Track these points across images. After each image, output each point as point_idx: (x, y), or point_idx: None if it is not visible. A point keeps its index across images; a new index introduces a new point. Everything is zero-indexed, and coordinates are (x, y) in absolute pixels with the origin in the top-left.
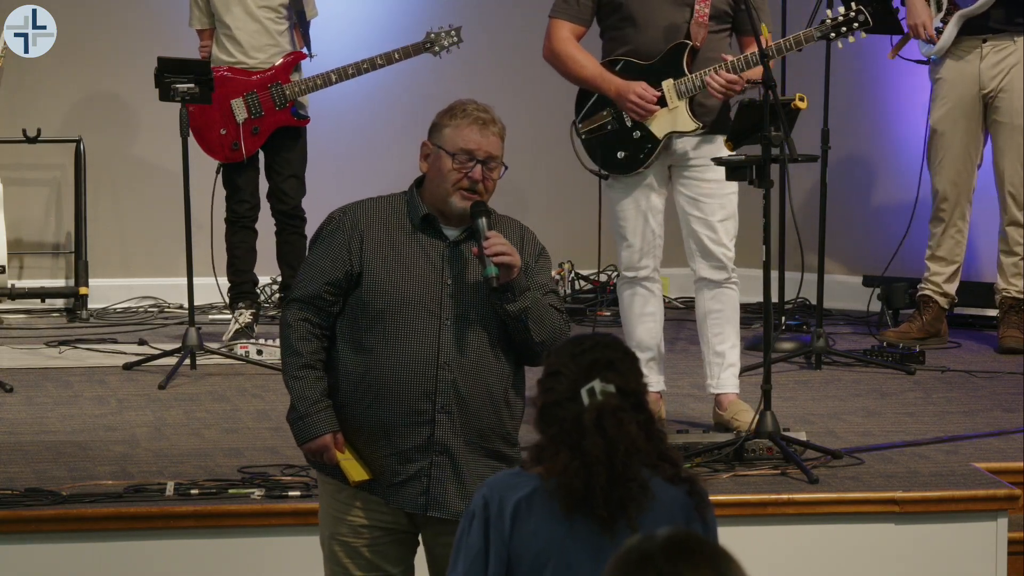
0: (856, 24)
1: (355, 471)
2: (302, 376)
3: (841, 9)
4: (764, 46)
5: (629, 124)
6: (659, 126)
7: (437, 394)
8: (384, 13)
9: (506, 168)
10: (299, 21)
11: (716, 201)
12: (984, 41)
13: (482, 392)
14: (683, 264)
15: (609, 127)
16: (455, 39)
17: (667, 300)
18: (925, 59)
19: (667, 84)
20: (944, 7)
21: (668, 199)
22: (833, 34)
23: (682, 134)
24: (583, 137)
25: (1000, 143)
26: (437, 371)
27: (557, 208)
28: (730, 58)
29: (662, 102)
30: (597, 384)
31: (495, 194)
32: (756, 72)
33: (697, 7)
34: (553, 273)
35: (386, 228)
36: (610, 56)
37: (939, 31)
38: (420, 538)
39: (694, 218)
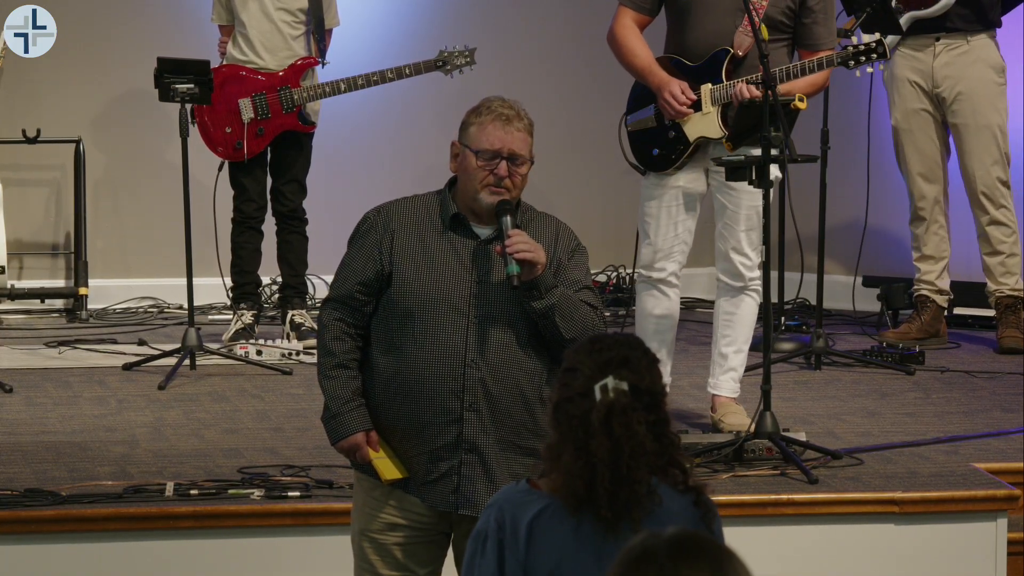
0: (875, 56)
1: (387, 470)
2: (335, 376)
3: (866, 38)
4: (763, 45)
5: (668, 123)
6: (691, 129)
7: (465, 392)
8: (398, 23)
9: (532, 162)
10: (316, 28)
11: (742, 211)
12: (937, 40)
13: (512, 390)
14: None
15: (651, 123)
16: (468, 60)
17: None
18: None
19: (704, 89)
20: (892, 3)
21: (706, 203)
22: (852, 62)
23: (710, 140)
24: (629, 130)
25: (965, 145)
26: (464, 369)
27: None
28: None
29: (698, 106)
30: (610, 381)
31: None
32: (793, 86)
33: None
34: None
35: (417, 227)
36: (666, 51)
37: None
38: (452, 539)
39: (721, 223)
